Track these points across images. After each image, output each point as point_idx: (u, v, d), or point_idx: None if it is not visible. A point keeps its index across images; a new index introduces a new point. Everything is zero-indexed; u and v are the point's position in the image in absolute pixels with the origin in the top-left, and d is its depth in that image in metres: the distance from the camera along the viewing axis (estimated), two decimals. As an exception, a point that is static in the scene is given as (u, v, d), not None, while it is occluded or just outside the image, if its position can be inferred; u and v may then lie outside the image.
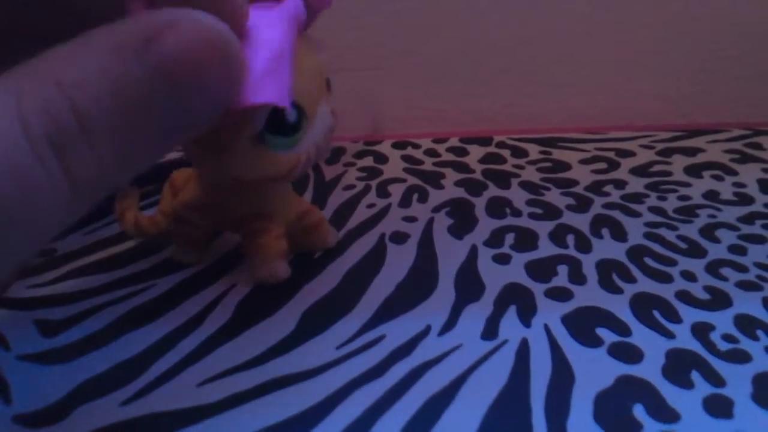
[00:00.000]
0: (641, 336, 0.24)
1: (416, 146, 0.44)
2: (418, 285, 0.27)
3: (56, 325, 0.25)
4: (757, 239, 0.31)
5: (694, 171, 0.40)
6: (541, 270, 0.28)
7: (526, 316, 0.25)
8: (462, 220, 0.33)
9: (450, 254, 0.30)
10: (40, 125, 0.11)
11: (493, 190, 0.37)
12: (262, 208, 0.27)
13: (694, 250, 0.30)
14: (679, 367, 0.22)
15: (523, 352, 0.23)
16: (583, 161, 0.41)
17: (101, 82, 0.12)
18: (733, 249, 0.30)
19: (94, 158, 0.12)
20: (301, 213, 0.29)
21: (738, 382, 0.22)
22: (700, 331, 0.24)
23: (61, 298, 0.26)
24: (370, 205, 0.35)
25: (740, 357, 0.23)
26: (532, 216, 0.34)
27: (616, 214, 0.34)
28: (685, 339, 0.24)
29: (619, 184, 0.38)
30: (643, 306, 0.26)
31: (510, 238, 0.31)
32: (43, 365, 0.23)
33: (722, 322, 0.25)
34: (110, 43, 0.13)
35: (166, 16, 0.13)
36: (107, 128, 0.12)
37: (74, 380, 0.22)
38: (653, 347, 0.23)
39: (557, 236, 0.32)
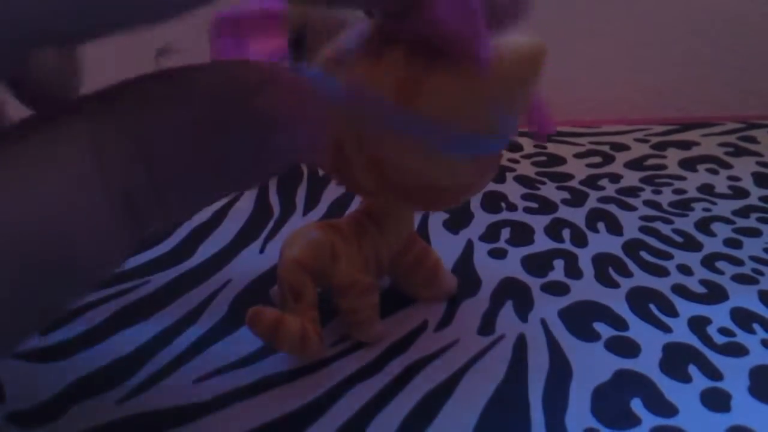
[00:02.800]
0: (638, 330, 0.24)
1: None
2: (414, 280, 0.27)
3: (49, 323, 0.24)
4: (753, 233, 0.31)
5: (688, 164, 0.40)
6: (537, 264, 0.28)
7: (523, 310, 0.25)
8: (457, 214, 0.33)
9: (446, 249, 0.30)
10: (116, 177, 0.11)
11: (488, 185, 0.37)
12: (380, 220, 0.23)
13: (690, 244, 0.30)
14: (676, 361, 0.22)
15: (521, 347, 0.23)
16: (578, 155, 0.41)
17: (182, 136, 0.12)
18: (729, 242, 0.30)
19: (161, 213, 0.12)
20: (417, 250, 0.25)
21: (735, 376, 0.22)
22: (697, 325, 0.24)
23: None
24: (365, 200, 0.35)
25: (737, 350, 0.23)
26: (528, 210, 0.34)
27: (612, 208, 0.34)
28: (682, 333, 0.24)
29: (614, 177, 0.38)
30: (639, 300, 0.26)
31: (506, 233, 0.31)
32: (37, 363, 0.22)
33: (719, 315, 0.25)
34: (197, 90, 0.12)
35: (262, 68, 0.13)
36: (179, 186, 0.12)
37: (68, 378, 0.22)
38: (650, 341, 0.23)
39: (553, 230, 0.31)
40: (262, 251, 0.30)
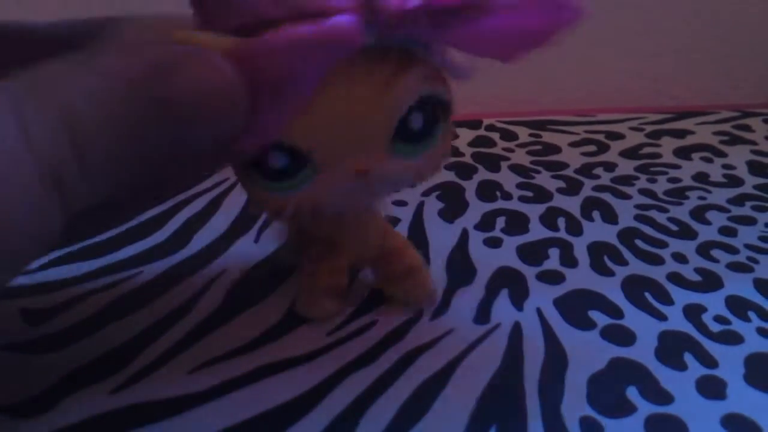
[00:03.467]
0: (634, 318, 0.24)
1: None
2: (409, 269, 0.27)
3: (41, 314, 0.24)
4: (747, 221, 0.31)
5: (683, 153, 0.40)
6: (532, 253, 0.28)
7: (519, 299, 0.25)
8: (452, 203, 0.33)
9: (441, 238, 0.29)
10: (40, 145, 0.11)
11: (483, 174, 0.37)
12: (331, 235, 0.23)
13: (685, 232, 0.30)
14: (671, 349, 0.22)
15: (516, 335, 0.23)
16: (573, 144, 0.41)
17: (104, 109, 0.12)
18: (724, 231, 0.30)
19: (89, 191, 0.12)
20: (388, 251, 0.24)
21: (731, 364, 0.22)
22: (692, 313, 0.24)
23: (45, 287, 0.26)
24: (360, 190, 0.34)
25: (732, 338, 0.23)
26: (523, 199, 0.33)
27: (607, 197, 0.34)
28: (677, 321, 0.24)
29: (609, 166, 0.38)
30: (635, 288, 0.26)
31: (501, 222, 0.31)
32: (28, 355, 0.22)
33: (714, 303, 0.25)
34: (120, 68, 0.12)
35: (180, 49, 0.13)
36: (104, 161, 0.12)
37: (61, 370, 0.21)
38: (646, 329, 0.23)
39: (548, 219, 0.31)
40: (256, 241, 0.29)
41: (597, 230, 0.30)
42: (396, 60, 0.17)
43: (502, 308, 0.25)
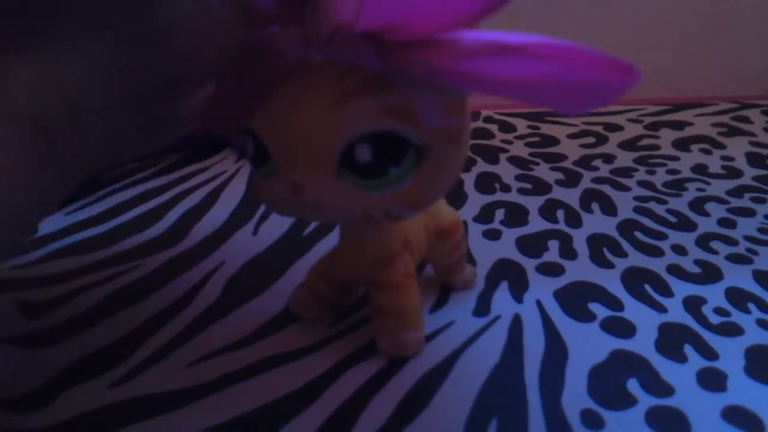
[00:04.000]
0: (634, 310, 0.24)
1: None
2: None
3: (39, 308, 0.24)
4: (746, 212, 0.31)
5: (682, 145, 0.39)
6: (532, 245, 0.28)
7: (518, 291, 0.25)
8: (451, 195, 0.33)
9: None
10: (26, 109, 0.11)
11: (481, 166, 0.36)
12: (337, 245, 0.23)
13: (684, 224, 0.30)
14: (672, 341, 0.22)
15: (516, 327, 0.23)
16: (571, 135, 0.41)
17: (95, 67, 0.12)
18: (723, 222, 0.30)
19: (82, 141, 0.12)
20: (447, 229, 0.23)
21: (731, 355, 0.22)
22: (692, 305, 0.24)
23: (44, 280, 0.26)
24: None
25: (732, 330, 0.23)
26: (522, 191, 0.33)
27: (606, 189, 0.34)
28: (677, 313, 0.24)
29: (608, 158, 0.38)
30: (634, 280, 0.26)
31: (500, 214, 0.31)
32: (28, 349, 0.22)
33: (714, 295, 0.25)
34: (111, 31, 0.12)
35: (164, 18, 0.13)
36: (95, 111, 0.12)
37: (60, 363, 0.21)
38: (646, 321, 0.23)
39: (547, 211, 0.31)
40: (255, 233, 0.29)
41: (596, 222, 0.30)
42: (353, 83, 0.16)
43: (502, 300, 0.25)
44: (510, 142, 0.40)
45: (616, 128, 0.42)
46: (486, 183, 0.34)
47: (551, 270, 0.27)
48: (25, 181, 0.11)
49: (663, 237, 0.29)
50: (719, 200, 0.32)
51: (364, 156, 0.16)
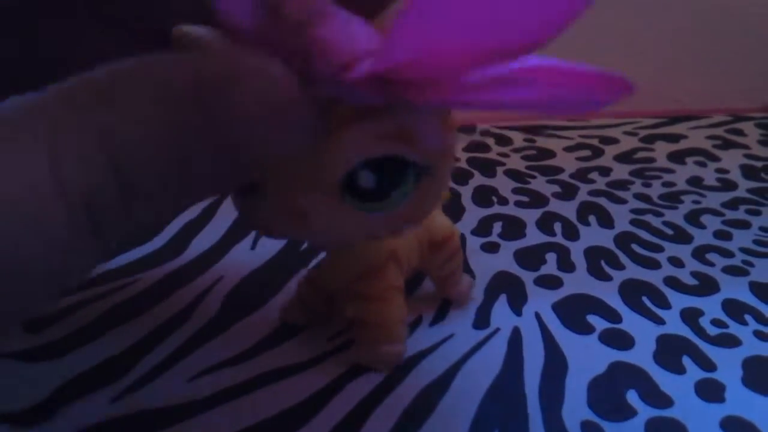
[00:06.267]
0: (632, 322, 0.24)
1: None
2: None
3: (40, 322, 0.24)
4: (742, 224, 0.32)
5: (677, 157, 0.40)
6: (530, 258, 0.28)
7: (517, 304, 0.25)
8: (449, 208, 0.33)
9: (438, 243, 0.30)
10: (75, 183, 0.10)
11: (479, 179, 0.37)
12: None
13: (680, 236, 0.30)
14: (670, 353, 0.23)
15: (516, 340, 0.23)
16: (568, 149, 0.41)
17: (150, 133, 0.11)
18: (719, 234, 0.31)
19: (129, 221, 0.11)
20: (440, 240, 0.23)
21: (728, 367, 0.22)
22: (690, 317, 0.24)
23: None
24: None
25: (730, 341, 0.23)
26: (519, 204, 0.34)
27: (602, 201, 0.34)
28: (674, 325, 0.24)
29: (604, 171, 0.38)
30: (632, 292, 0.26)
31: (498, 227, 0.31)
32: (28, 363, 0.22)
33: (711, 307, 0.25)
34: (163, 85, 0.11)
35: (233, 61, 0.12)
36: (147, 189, 0.11)
37: (60, 378, 0.21)
38: (644, 333, 0.24)
39: (545, 224, 0.31)
40: (253, 248, 0.29)
41: (593, 235, 0.31)
42: (347, 111, 0.15)
43: (502, 313, 0.25)
44: (507, 155, 0.40)
45: (612, 141, 0.42)
46: (483, 196, 0.34)
47: (549, 283, 0.27)
48: (64, 258, 0.11)
49: (660, 249, 0.29)
50: (715, 212, 0.33)
51: (367, 182, 0.16)
